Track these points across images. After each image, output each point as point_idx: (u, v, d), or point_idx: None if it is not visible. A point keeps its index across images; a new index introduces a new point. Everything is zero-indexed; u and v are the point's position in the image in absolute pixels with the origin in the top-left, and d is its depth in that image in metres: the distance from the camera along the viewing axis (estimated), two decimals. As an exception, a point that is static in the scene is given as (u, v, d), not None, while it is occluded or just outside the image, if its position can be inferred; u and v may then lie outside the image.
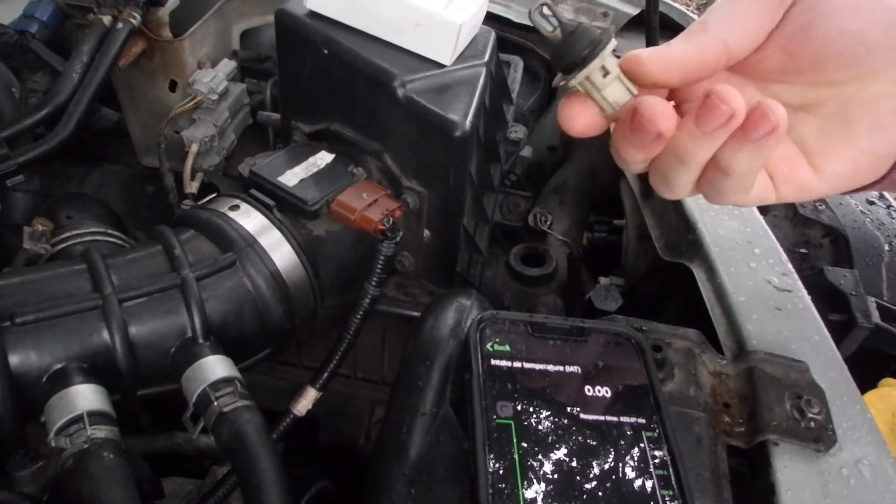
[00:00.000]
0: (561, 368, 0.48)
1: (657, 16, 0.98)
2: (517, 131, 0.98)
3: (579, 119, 0.36)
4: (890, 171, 0.36)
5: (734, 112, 0.31)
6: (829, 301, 0.82)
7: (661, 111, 0.33)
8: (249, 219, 0.71)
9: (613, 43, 0.35)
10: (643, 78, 0.35)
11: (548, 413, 0.46)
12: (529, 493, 0.41)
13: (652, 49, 0.35)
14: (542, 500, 0.41)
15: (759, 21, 0.36)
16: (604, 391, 0.47)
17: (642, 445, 0.45)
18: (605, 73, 0.35)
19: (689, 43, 0.35)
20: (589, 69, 0.35)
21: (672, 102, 0.37)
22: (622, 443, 0.45)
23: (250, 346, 0.70)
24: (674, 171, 0.35)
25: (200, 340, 0.62)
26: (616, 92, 0.35)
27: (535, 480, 0.42)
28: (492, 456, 0.43)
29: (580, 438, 0.45)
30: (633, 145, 0.35)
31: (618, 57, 0.36)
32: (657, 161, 0.36)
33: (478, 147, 0.81)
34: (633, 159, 0.36)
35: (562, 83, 0.37)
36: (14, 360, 0.55)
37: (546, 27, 0.36)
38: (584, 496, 0.42)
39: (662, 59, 0.34)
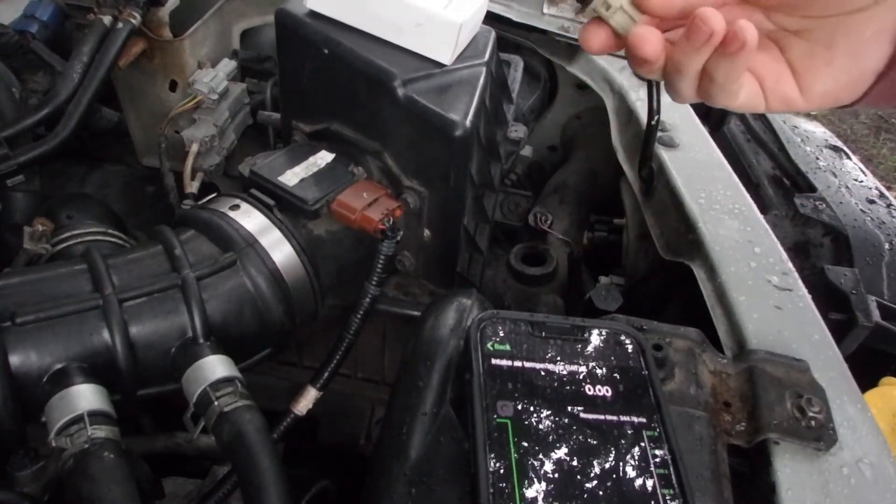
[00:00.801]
0: (561, 368, 0.48)
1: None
2: (517, 131, 0.98)
3: (594, 40, 0.43)
4: (867, 92, 0.43)
5: (713, 31, 0.37)
6: (830, 300, 0.82)
7: (647, 40, 0.41)
8: (250, 219, 0.71)
9: None
10: (647, 8, 0.41)
11: (548, 412, 0.46)
12: (530, 493, 0.41)
13: None
14: (543, 499, 0.41)
15: None
16: (604, 390, 0.47)
17: (643, 445, 0.45)
18: (608, 6, 0.42)
19: None
20: (595, 2, 0.42)
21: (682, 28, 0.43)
22: (622, 442, 0.45)
23: (251, 346, 0.70)
24: (675, 79, 0.42)
25: (201, 340, 0.62)
26: (622, 20, 0.42)
27: (535, 480, 0.42)
28: (492, 455, 0.43)
29: (581, 438, 0.44)
30: (635, 64, 0.43)
31: None
32: (664, 71, 0.43)
33: (478, 147, 0.81)
34: (641, 71, 0.43)
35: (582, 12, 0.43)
36: (14, 360, 0.55)
37: None
38: (585, 495, 0.42)
39: None
